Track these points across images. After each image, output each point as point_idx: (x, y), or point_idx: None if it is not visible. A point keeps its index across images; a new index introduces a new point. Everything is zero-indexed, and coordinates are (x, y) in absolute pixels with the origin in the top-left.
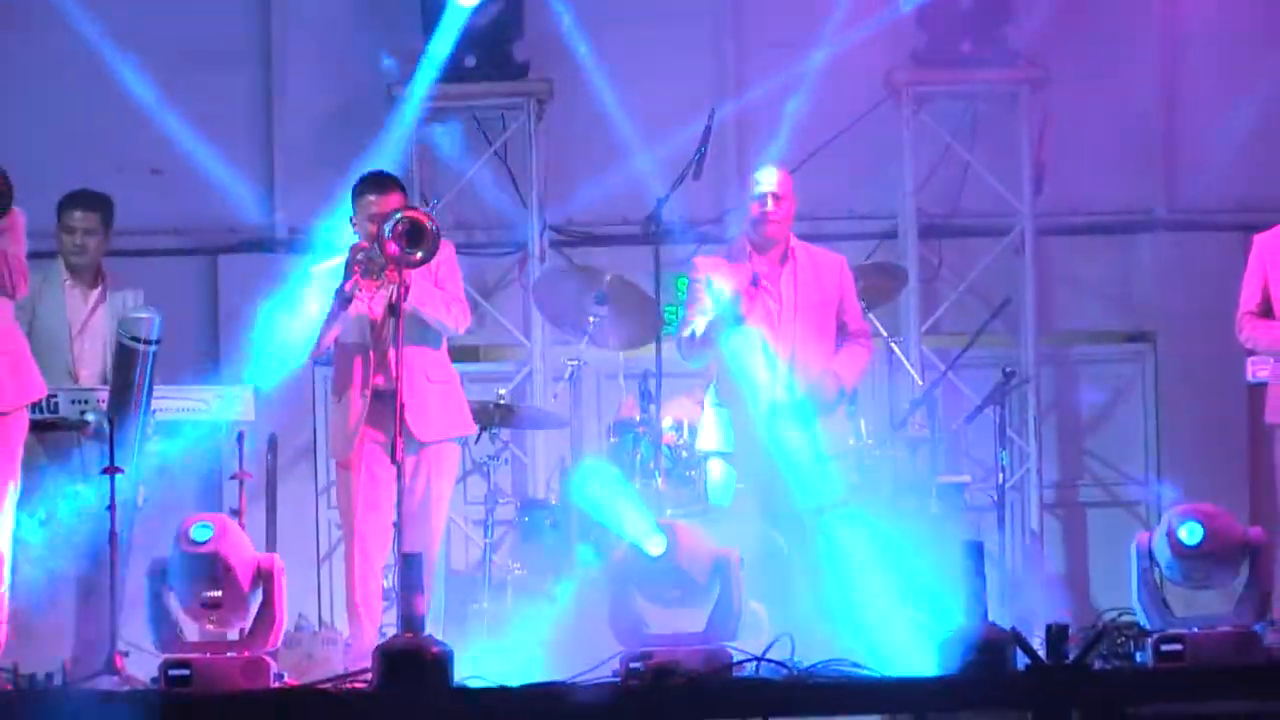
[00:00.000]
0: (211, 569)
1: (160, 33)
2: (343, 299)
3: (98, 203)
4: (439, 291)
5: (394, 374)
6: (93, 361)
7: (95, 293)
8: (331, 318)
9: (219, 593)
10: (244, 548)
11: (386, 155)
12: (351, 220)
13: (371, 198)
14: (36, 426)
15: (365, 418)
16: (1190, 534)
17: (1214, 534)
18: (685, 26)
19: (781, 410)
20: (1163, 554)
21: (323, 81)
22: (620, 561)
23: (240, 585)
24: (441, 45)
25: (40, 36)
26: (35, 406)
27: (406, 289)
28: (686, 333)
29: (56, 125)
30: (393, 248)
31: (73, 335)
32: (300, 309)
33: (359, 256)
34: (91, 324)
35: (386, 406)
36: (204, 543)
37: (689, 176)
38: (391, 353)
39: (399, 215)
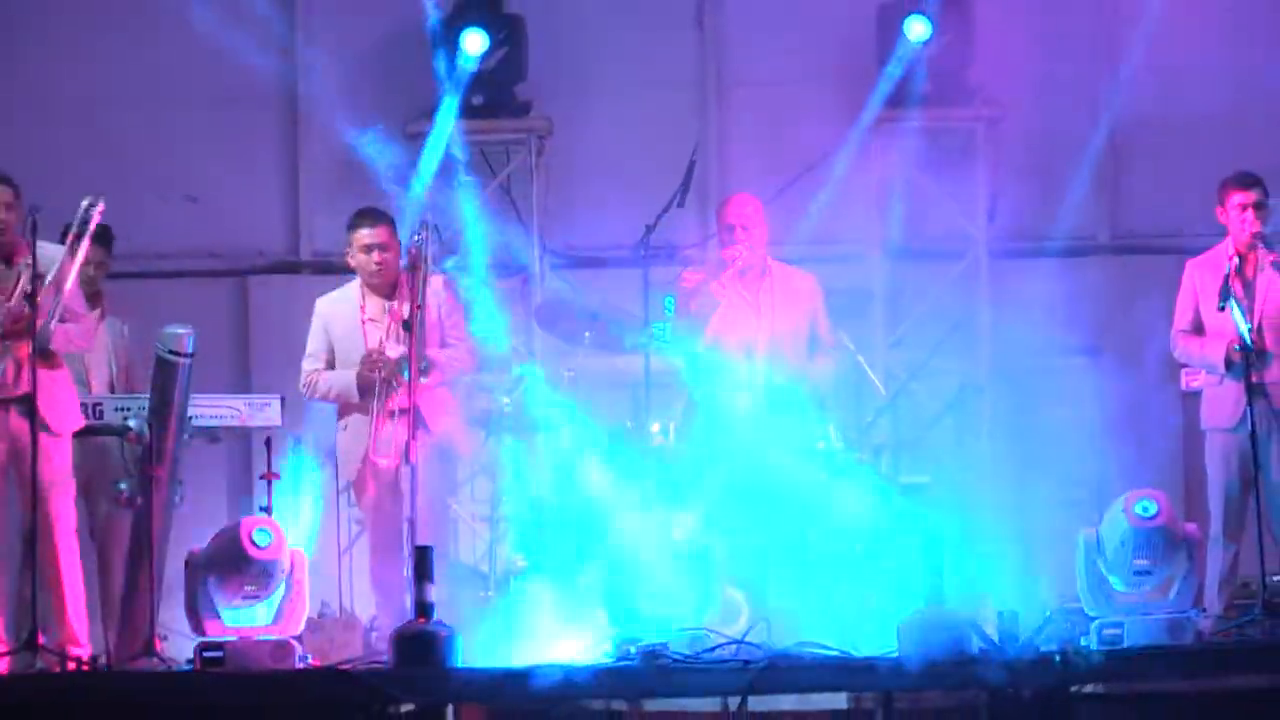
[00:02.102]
0: (267, 570)
1: (198, 76)
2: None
3: (106, 236)
4: (446, 353)
5: (403, 393)
6: (101, 371)
7: (96, 312)
8: (340, 398)
9: (264, 588)
10: (286, 548)
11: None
12: (346, 252)
13: (363, 231)
14: (82, 432)
15: (373, 439)
16: (1145, 509)
17: (1165, 512)
18: (671, 69)
19: (758, 408)
20: (1116, 532)
21: (344, 118)
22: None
23: (277, 581)
24: (452, 91)
25: (89, 71)
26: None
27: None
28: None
29: (103, 156)
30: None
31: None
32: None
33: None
34: (97, 340)
35: (393, 428)
36: (266, 547)
37: (675, 205)
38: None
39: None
